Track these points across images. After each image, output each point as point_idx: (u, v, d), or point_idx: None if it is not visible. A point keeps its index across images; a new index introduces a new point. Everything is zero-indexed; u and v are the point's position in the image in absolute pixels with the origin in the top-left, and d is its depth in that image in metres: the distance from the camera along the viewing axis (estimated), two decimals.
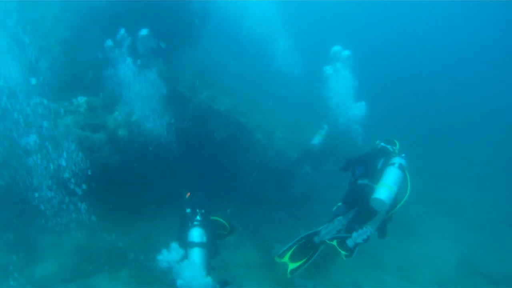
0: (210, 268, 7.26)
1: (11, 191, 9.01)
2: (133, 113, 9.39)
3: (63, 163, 8.09)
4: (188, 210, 7.58)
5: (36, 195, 8.28)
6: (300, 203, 14.55)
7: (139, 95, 9.54)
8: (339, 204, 7.76)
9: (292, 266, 7.27)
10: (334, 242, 7.31)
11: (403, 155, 7.79)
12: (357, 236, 7.20)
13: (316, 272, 11.20)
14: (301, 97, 19.89)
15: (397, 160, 7.57)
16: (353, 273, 11.89)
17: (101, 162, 9.25)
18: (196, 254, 6.93)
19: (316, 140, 14.60)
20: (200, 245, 7.02)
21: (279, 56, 19.46)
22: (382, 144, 8.20)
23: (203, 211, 7.57)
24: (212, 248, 7.36)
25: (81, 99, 9.14)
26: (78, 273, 9.35)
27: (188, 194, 7.93)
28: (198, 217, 7.40)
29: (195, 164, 11.44)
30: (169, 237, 9.60)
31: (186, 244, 7.01)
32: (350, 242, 7.29)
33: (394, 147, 8.11)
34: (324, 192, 16.10)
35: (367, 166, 7.75)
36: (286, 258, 7.36)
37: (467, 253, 13.82)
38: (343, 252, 7.28)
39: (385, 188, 7.10)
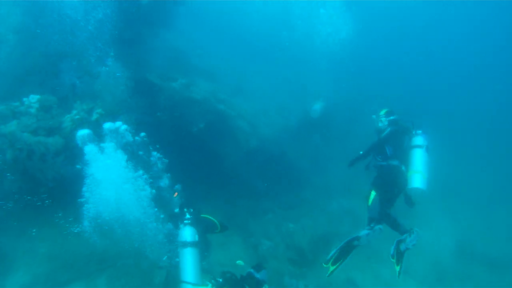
0: (202, 268, 6.96)
1: None
2: (94, 111, 8.33)
3: None
4: (176, 210, 7.43)
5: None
6: (287, 190, 13.86)
7: (103, 88, 8.48)
8: (372, 192, 7.38)
9: (332, 268, 7.24)
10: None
11: (420, 131, 7.71)
12: (410, 242, 6.98)
13: (309, 271, 10.58)
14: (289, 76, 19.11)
15: (422, 141, 7.56)
16: (347, 267, 11.27)
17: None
18: (189, 254, 6.69)
19: (317, 106, 14.58)
20: (192, 244, 6.77)
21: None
22: (392, 117, 8.05)
23: (191, 210, 7.30)
24: (203, 248, 7.19)
25: (33, 98, 8.06)
26: (52, 283, 8.69)
27: (176, 194, 7.77)
28: (188, 216, 7.14)
29: (172, 160, 10.47)
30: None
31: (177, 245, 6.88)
32: (402, 247, 7.05)
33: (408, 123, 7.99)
34: (312, 177, 15.42)
35: (396, 146, 7.65)
36: (330, 264, 7.27)
37: (465, 237, 13.16)
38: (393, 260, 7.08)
39: (420, 175, 7.24)
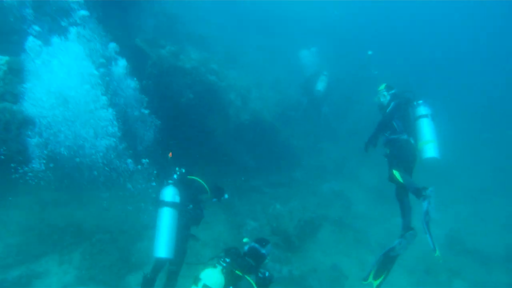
0: (189, 235, 6.76)
1: None
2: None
3: None
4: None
5: None
6: (277, 169, 13.44)
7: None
8: (395, 172, 6.86)
9: (376, 283, 6.68)
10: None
11: (421, 101, 7.55)
12: (402, 247, 6.64)
13: (293, 256, 10.18)
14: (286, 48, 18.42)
15: (425, 110, 7.43)
16: (333, 252, 11.02)
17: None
18: (166, 214, 6.26)
19: (320, 85, 14.55)
20: (170, 204, 6.34)
21: None
22: (393, 91, 7.85)
23: (183, 170, 6.90)
24: (188, 212, 6.66)
25: (1, 60, 7.23)
26: (24, 256, 8.33)
27: (170, 154, 7.04)
28: (174, 176, 6.74)
29: (158, 130, 9.86)
30: (131, 208, 8.86)
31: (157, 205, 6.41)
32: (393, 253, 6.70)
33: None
34: (304, 156, 15.00)
35: (403, 119, 7.43)
36: (370, 279, 6.73)
37: (456, 227, 12.79)
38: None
39: (432, 144, 7.15)
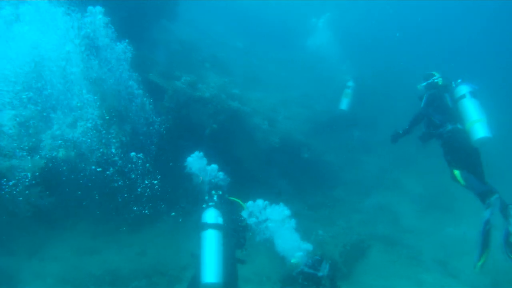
0: (234, 259, 6.23)
1: None
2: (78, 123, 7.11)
3: None
4: (206, 197, 6.53)
5: None
6: (315, 189, 12.72)
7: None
8: (455, 171, 6.56)
9: (480, 263, 6.28)
10: None
11: (459, 80, 7.11)
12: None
13: (343, 285, 9.37)
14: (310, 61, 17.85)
15: (465, 89, 6.90)
16: (386, 274, 10.15)
17: None
18: (210, 237, 5.81)
19: (344, 103, 13.93)
20: (214, 226, 5.94)
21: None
22: (429, 81, 7.46)
23: (220, 192, 6.59)
24: (232, 235, 6.28)
25: (8, 114, 6.85)
26: None
27: (201, 178, 6.85)
28: (215, 198, 6.43)
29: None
30: (169, 249, 8.86)
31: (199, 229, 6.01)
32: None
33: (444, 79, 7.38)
34: (341, 172, 14.21)
35: (441, 109, 7.07)
36: (482, 260, 6.28)
37: None
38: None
39: (480, 123, 6.57)
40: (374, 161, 15.54)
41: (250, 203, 6.25)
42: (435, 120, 7.02)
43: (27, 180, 6.85)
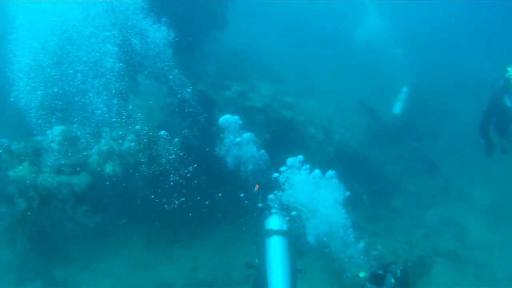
0: (295, 270, 5.95)
1: None
2: (126, 138, 6.93)
3: None
4: (260, 205, 6.71)
5: None
6: (374, 201, 12.10)
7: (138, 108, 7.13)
8: None
9: None
10: None
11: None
12: None
13: None
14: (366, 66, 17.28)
15: None
16: None
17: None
18: (277, 244, 5.75)
19: (397, 107, 13.54)
20: (280, 233, 5.89)
21: None
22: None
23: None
24: (295, 243, 6.16)
25: (56, 130, 6.82)
26: None
27: (257, 186, 7.00)
28: (276, 205, 6.57)
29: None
30: (221, 264, 8.81)
31: (263, 236, 5.95)
32: None
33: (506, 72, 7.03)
34: (402, 182, 13.46)
35: (499, 115, 6.98)
36: None
37: None
38: None
39: None
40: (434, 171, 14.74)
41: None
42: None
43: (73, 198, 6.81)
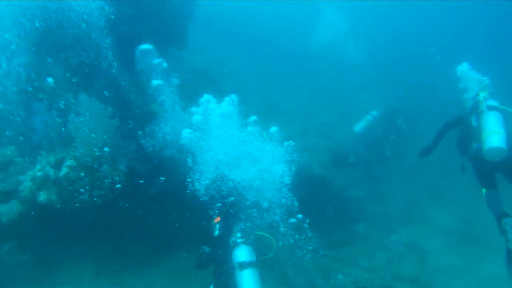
0: None
1: None
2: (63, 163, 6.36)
3: None
4: (216, 233, 6.36)
5: None
6: (336, 226, 11.84)
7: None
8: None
9: None
10: None
11: (484, 95, 6.73)
12: None
13: None
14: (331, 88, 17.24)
15: (484, 105, 6.60)
16: None
17: None
18: (250, 277, 5.63)
19: (358, 126, 13.67)
20: (252, 264, 5.78)
21: None
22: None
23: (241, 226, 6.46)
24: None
25: None
26: None
27: (218, 218, 6.57)
28: (239, 234, 6.21)
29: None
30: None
31: (232, 269, 5.79)
32: None
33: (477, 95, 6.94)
34: (365, 206, 13.32)
35: (463, 133, 7.00)
36: None
37: None
38: None
39: (491, 135, 6.27)
40: (399, 192, 14.66)
41: None
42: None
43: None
